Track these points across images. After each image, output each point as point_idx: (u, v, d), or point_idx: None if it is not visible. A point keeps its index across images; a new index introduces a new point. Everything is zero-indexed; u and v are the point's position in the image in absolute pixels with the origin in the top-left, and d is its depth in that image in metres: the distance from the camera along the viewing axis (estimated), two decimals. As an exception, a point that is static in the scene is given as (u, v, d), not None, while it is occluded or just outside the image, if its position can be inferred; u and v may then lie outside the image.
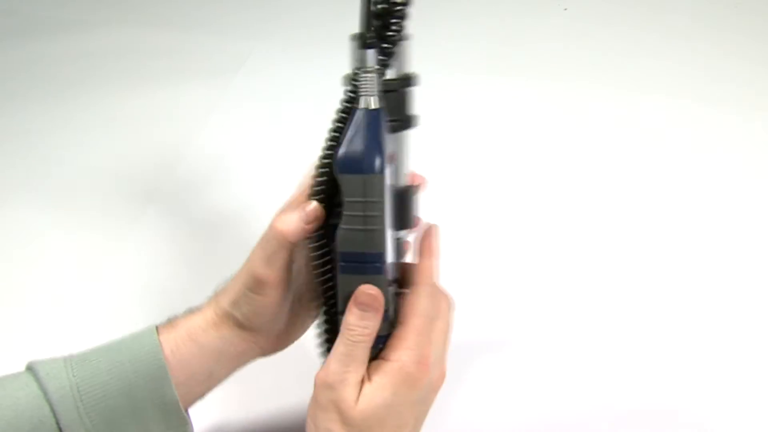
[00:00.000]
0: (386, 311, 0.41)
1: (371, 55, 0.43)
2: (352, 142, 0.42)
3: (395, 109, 0.44)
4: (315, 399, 0.41)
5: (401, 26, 0.43)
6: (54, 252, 0.75)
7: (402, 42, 0.44)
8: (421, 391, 0.41)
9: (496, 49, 1.03)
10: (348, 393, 0.40)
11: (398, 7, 0.42)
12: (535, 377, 0.59)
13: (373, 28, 0.43)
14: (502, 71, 0.98)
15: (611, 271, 0.69)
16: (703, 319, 0.64)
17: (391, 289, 0.43)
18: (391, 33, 0.43)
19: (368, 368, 0.41)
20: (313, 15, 1.12)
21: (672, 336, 0.62)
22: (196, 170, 0.84)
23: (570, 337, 0.62)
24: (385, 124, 0.42)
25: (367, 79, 0.42)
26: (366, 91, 0.42)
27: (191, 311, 0.49)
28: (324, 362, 0.41)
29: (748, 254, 0.71)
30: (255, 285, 0.46)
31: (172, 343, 0.46)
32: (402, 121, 0.45)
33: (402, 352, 0.40)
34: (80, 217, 0.79)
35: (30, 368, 0.45)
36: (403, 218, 0.44)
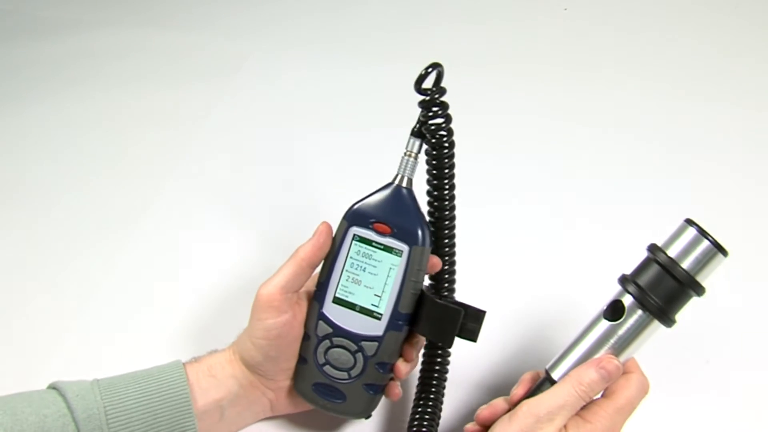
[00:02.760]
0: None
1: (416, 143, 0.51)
2: None
3: None
4: (514, 422, 0.45)
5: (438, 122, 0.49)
6: (52, 252, 0.75)
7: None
8: None
9: (495, 49, 1.02)
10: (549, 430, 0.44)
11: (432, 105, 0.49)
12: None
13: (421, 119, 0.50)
14: (501, 71, 0.98)
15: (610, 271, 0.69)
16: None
17: None
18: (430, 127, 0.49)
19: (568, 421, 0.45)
20: (313, 15, 1.12)
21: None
22: (195, 170, 0.84)
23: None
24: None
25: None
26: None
27: (214, 351, 0.54)
28: (537, 395, 0.46)
29: (747, 254, 0.71)
30: (262, 306, 0.50)
31: (193, 375, 0.50)
32: None
33: (602, 418, 0.45)
34: (80, 216, 0.79)
35: (56, 388, 0.47)
36: None
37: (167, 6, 1.15)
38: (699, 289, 0.46)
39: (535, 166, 0.83)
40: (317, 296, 0.51)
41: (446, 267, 0.53)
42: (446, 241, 0.52)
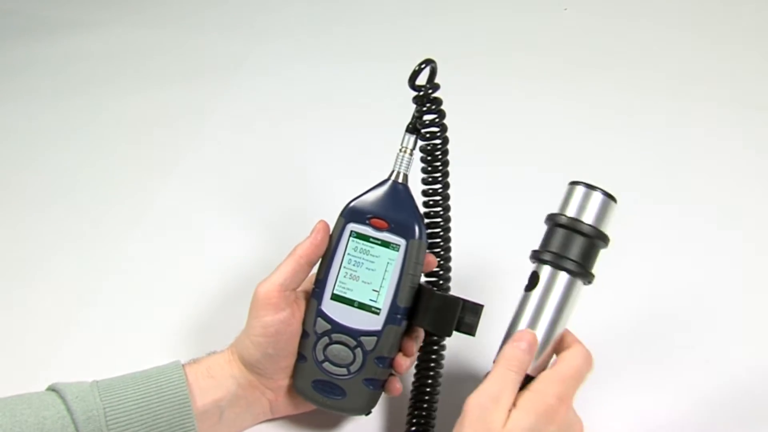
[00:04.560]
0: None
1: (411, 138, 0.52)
2: None
3: None
4: (465, 419, 0.45)
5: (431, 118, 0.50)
6: (51, 252, 0.75)
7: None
8: (558, 428, 0.45)
9: (495, 49, 1.03)
10: (498, 415, 0.44)
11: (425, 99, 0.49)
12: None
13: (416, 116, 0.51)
14: (501, 71, 0.98)
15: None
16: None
17: None
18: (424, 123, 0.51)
19: (516, 398, 0.45)
20: (313, 15, 1.12)
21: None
22: (195, 170, 0.84)
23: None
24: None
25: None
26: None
27: (213, 352, 0.54)
28: (477, 388, 0.46)
29: (745, 254, 0.71)
30: (260, 304, 0.50)
31: (192, 376, 0.50)
32: None
33: (548, 387, 0.46)
34: (80, 216, 0.79)
35: (56, 389, 0.47)
36: None
37: (167, 6, 1.15)
38: (605, 239, 0.48)
39: (535, 166, 0.83)
40: (315, 293, 0.52)
41: (441, 262, 0.53)
42: (441, 234, 0.53)
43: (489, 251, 0.72)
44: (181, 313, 0.67)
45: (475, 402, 0.45)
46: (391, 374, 0.53)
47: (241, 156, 0.86)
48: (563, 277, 0.48)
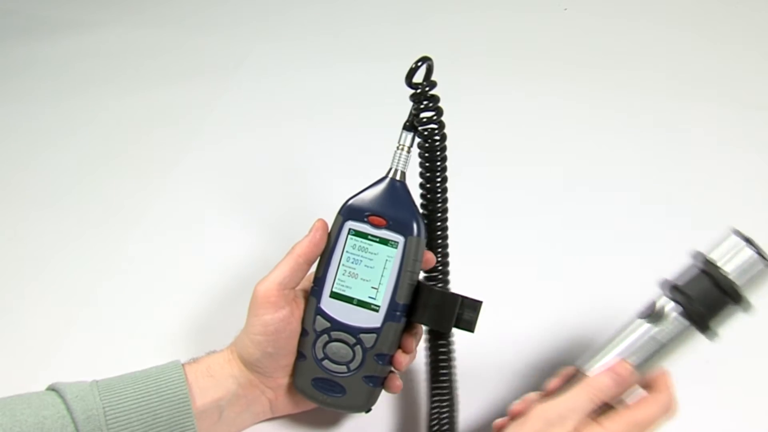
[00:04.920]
0: None
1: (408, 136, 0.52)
2: None
3: None
4: (526, 423, 0.45)
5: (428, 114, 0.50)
6: (51, 252, 0.75)
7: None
8: None
9: (495, 49, 1.03)
10: None
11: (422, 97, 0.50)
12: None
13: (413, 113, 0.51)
14: (501, 71, 0.98)
15: (609, 266, 0.70)
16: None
17: None
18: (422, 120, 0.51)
19: (580, 426, 0.44)
20: (313, 15, 1.12)
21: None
22: (195, 170, 0.84)
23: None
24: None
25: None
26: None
27: (213, 351, 0.54)
28: (550, 390, 0.46)
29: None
30: (259, 303, 0.50)
31: (191, 375, 0.50)
32: None
33: (613, 425, 0.44)
34: (80, 216, 0.79)
35: (55, 389, 0.47)
36: None
37: (167, 6, 1.15)
38: (743, 302, 0.44)
39: (535, 166, 0.83)
40: (314, 292, 0.52)
41: (440, 258, 0.53)
42: (439, 233, 0.53)
43: (488, 249, 0.72)
44: (181, 312, 0.67)
45: (541, 413, 0.45)
46: (391, 371, 0.53)
47: (240, 155, 0.86)
48: (684, 323, 0.45)
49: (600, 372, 0.47)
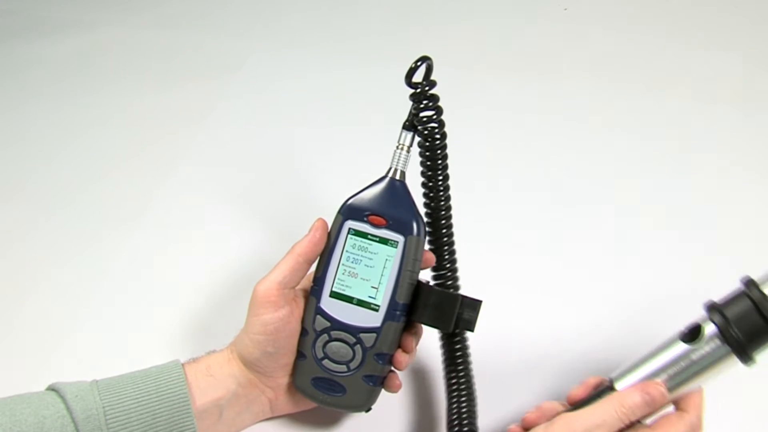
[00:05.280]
0: None
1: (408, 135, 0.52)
2: None
3: None
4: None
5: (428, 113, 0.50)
6: (51, 252, 0.75)
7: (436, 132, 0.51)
8: None
9: (495, 49, 1.03)
10: None
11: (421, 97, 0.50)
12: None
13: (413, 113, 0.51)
14: (501, 71, 0.98)
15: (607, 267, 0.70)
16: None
17: None
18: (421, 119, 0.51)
19: None
20: (313, 14, 1.12)
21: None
22: (195, 170, 0.84)
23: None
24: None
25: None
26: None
27: (213, 351, 0.54)
28: (574, 399, 0.46)
29: (745, 255, 0.71)
30: (259, 302, 0.50)
31: (191, 375, 0.50)
32: None
33: None
34: (80, 216, 0.79)
35: (55, 389, 0.47)
36: None
37: (167, 6, 1.15)
38: None
39: (535, 166, 0.83)
40: (314, 291, 0.52)
41: (446, 257, 0.53)
42: (444, 231, 0.53)
43: (488, 249, 0.72)
44: (181, 312, 0.67)
45: (567, 425, 0.44)
46: (391, 371, 0.53)
47: (240, 155, 0.86)
48: (726, 351, 0.44)
49: (632, 388, 0.46)
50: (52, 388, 0.48)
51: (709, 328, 0.45)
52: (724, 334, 0.44)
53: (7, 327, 0.67)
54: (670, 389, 0.46)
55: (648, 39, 1.03)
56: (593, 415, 0.44)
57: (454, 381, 0.53)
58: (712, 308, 0.46)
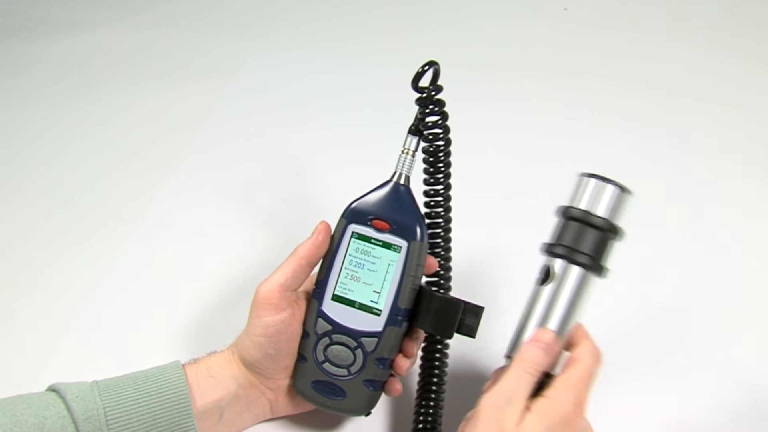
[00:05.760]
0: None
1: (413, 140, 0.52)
2: None
3: None
4: (479, 418, 0.44)
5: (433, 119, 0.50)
6: (51, 252, 0.75)
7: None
8: None
9: (495, 49, 1.03)
10: (512, 416, 0.43)
11: (427, 101, 0.49)
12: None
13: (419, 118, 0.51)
14: (501, 71, 0.98)
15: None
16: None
17: None
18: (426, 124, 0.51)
19: (530, 402, 0.44)
20: (312, 15, 1.12)
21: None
22: (196, 170, 0.84)
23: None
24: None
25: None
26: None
27: (213, 352, 0.54)
28: (489, 387, 0.46)
29: (746, 256, 0.71)
30: (260, 304, 0.50)
31: (192, 376, 0.50)
32: None
33: (564, 393, 0.44)
34: (80, 216, 0.79)
35: (56, 389, 0.47)
36: None
37: (167, 6, 1.15)
38: (619, 232, 0.48)
39: (537, 167, 0.83)
40: (316, 294, 0.52)
41: (442, 262, 0.54)
42: (442, 234, 0.53)
43: (489, 253, 0.72)
44: (182, 313, 0.67)
45: (489, 402, 0.44)
46: (391, 375, 0.53)
47: (241, 156, 0.86)
48: (577, 271, 0.47)
49: (525, 344, 0.47)
50: (52, 389, 0.48)
51: (557, 263, 0.48)
52: (571, 259, 0.47)
53: (7, 327, 0.67)
54: (558, 332, 0.47)
55: (648, 39, 1.03)
56: (507, 384, 0.45)
57: (424, 389, 0.54)
58: (550, 246, 0.48)
